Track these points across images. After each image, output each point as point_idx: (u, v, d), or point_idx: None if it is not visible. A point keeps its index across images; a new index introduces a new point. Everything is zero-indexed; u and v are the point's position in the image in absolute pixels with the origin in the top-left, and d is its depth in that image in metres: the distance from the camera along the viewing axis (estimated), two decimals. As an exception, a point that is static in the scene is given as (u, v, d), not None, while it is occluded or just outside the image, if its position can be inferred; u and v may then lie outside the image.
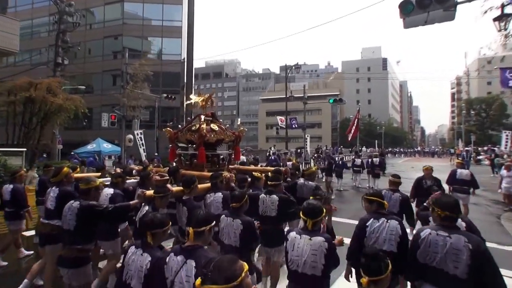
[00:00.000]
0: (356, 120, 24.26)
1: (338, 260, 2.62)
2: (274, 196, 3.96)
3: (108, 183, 4.52)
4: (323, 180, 13.63)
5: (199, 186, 4.06)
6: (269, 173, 4.53)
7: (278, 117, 23.68)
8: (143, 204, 3.44)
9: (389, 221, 2.86)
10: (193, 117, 8.19)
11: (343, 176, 13.62)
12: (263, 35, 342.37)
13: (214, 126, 5.89)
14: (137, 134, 16.60)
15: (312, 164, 18.40)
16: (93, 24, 32.06)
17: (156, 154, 19.30)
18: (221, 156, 6.50)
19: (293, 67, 21.70)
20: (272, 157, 18.96)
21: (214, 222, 2.32)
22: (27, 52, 27.38)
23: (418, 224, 3.82)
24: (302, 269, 2.53)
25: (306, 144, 21.13)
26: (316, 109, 62.97)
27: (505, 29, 7.03)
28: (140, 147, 16.50)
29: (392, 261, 2.02)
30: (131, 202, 3.53)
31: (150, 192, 3.55)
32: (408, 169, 22.44)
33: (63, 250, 3.28)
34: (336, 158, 14.92)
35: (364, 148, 40.53)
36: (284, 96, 33.02)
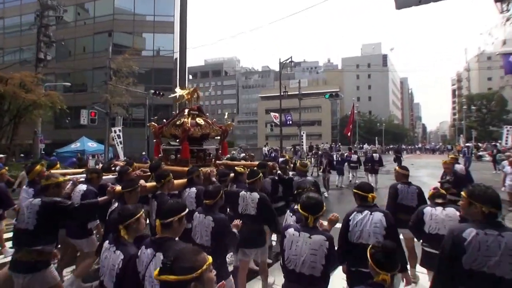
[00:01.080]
0: (352, 116, 23.77)
1: (337, 260, 2.52)
2: (255, 193, 3.73)
3: (83, 179, 4.34)
4: (317, 176, 13.40)
5: (177, 181, 3.96)
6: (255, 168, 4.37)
7: (272, 114, 23.05)
8: (113, 200, 3.32)
9: (373, 213, 2.73)
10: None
11: (344, 173, 13.42)
12: (262, 31, 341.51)
13: (200, 120, 5.71)
14: (115, 132, 15.91)
15: (307, 161, 17.97)
16: (83, 20, 31.42)
17: (144, 153, 18.73)
18: (208, 151, 6.30)
19: (289, 62, 20.99)
20: (273, 154, 18.50)
21: (185, 212, 2.18)
22: (17, 49, 26.81)
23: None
24: (300, 269, 2.38)
25: (302, 142, 20.56)
26: (316, 106, 62.41)
27: (507, 11, 6.42)
28: (118, 145, 15.85)
29: None
30: (99, 199, 3.43)
31: (119, 187, 3.37)
32: (408, 166, 21.87)
33: (18, 253, 2.98)
34: (335, 155, 14.56)
35: (366, 145, 39.87)
36: (291, 93, 32.91)
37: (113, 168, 5.29)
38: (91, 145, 19.73)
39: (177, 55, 27.44)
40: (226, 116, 8.56)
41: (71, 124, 24.77)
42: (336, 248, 2.57)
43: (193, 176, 4.09)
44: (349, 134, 24.83)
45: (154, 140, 6.09)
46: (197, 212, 3.03)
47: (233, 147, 36.72)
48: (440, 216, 3.22)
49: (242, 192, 3.80)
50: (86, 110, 17.16)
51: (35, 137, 13.42)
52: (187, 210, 2.22)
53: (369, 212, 2.75)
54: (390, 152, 49.42)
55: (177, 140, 6.13)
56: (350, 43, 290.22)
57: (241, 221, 3.17)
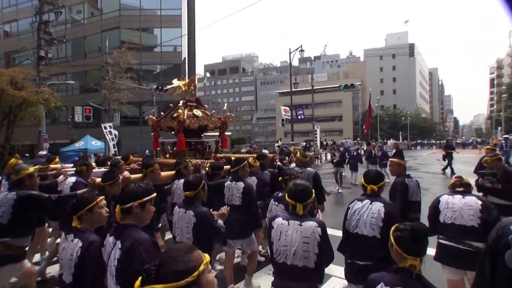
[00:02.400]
0: (369, 108, 22.09)
1: (332, 252, 2.33)
2: (241, 183, 3.65)
3: (73, 172, 4.31)
4: (332, 171, 12.24)
5: (164, 173, 4.05)
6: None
7: (283, 108, 21.60)
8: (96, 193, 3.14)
9: (373, 203, 2.55)
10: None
11: (359, 169, 12.10)
12: (281, 25, 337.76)
13: (197, 112, 5.71)
14: (105, 128, 14.93)
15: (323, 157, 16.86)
16: (91, 17, 31.32)
17: (148, 151, 18.17)
18: (208, 144, 6.30)
19: (299, 51, 19.48)
20: (287, 150, 17.55)
21: (149, 197, 1.94)
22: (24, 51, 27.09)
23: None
24: (291, 261, 2.19)
25: (316, 137, 19.11)
26: (336, 101, 60.14)
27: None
28: (110, 141, 14.84)
29: (374, 248, 2.10)
30: (78, 191, 3.34)
31: (99, 179, 3.28)
32: (432, 162, 19.77)
33: None
34: (352, 150, 13.23)
35: (390, 141, 37.53)
36: (301, 89, 31.37)
37: (109, 163, 5.22)
38: (95, 143, 19.73)
39: (185, 48, 26.85)
40: (225, 107, 7.82)
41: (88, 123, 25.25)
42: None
43: (181, 167, 4.09)
44: (366, 130, 23.19)
45: (152, 134, 6.13)
46: (176, 206, 2.87)
47: (245, 143, 35.84)
48: (458, 205, 2.95)
49: (227, 182, 3.73)
50: (81, 107, 16.48)
51: (39, 136, 13.29)
52: (153, 194, 1.98)
53: (369, 202, 2.57)
54: (418, 147, 46.67)
55: (173, 133, 6.04)
56: (374, 35, 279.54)
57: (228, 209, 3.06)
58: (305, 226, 2.20)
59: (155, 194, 2.02)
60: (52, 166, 4.89)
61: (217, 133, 6.31)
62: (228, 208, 2.89)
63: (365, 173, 2.83)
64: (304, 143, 24.86)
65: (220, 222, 2.72)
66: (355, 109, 60.87)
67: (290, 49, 20.36)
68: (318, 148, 20.37)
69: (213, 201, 3.75)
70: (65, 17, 30.13)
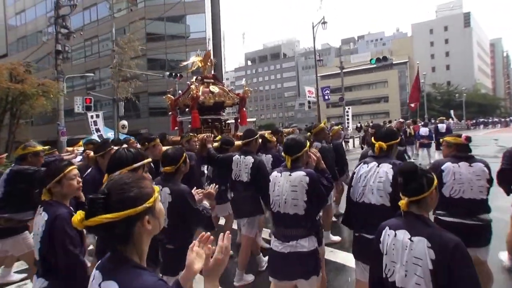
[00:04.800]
0: (416, 81, 20.51)
1: (323, 196, 2.33)
2: (250, 157, 3.40)
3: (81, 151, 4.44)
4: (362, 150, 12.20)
5: (163, 149, 3.90)
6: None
7: (307, 88, 21.21)
8: (91, 167, 3.17)
9: (380, 165, 2.24)
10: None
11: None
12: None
13: (214, 88, 5.52)
14: (91, 117, 12.67)
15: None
16: (116, 12, 31.14)
17: (146, 130, 18.55)
18: (227, 121, 6.10)
19: (321, 23, 19.04)
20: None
21: (140, 163, 1.80)
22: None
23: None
24: (283, 209, 2.29)
25: (348, 120, 18.71)
26: (381, 81, 57.38)
27: None
28: (93, 132, 12.52)
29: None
30: (65, 156, 3.52)
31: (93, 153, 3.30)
32: (486, 143, 18.23)
33: None
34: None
35: (451, 120, 33.91)
36: (335, 72, 30.29)
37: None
38: (110, 135, 19.66)
39: (210, 36, 26.30)
40: (243, 83, 7.48)
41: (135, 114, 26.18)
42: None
43: (183, 141, 3.85)
44: (413, 106, 21.70)
45: (170, 113, 6.03)
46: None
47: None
48: (465, 175, 2.54)
49: (236, 156, 3.51)
50: (81, 97, 14.55)
51: (58, 129, 12.57)
52: (145, 160, 1.83)
53: (376, 164, 2.26)
54: (481, 127, 41.95)
55: (186, 110, 5.96)
56: (423, 9, 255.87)
57: (232, 189, 3.09)
58: (294, 175, 2.27)
59: (148, 160, 1.86)
60: (68, 148, 5.00)
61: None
62: (216, 187, 2.46)
63: (377, 129, 2.65)
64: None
65: (206, 203, 2.36)
66: (403, 89, 57.47)
67: (313, 23, 19.84)
68: (349, 131, 19.59)
69: (224, 175, 3.69)
70: (96, 16, 31.42)
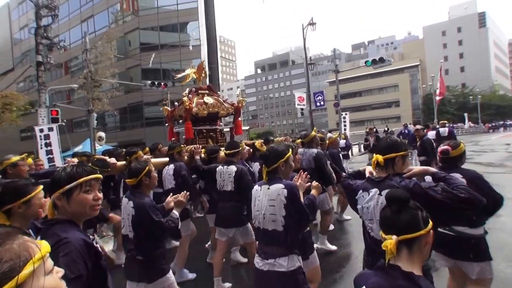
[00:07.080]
0: (440, 73, 21.70)
1: (305, 213, 2.09)
2: (232, 166, 3.46)
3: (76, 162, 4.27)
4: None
5: (157, 160, 4.01)
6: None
7: (297, 95, 20.48)
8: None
9: (382, 191, 1.75)
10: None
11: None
12: (333, 12, 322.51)
13: (208, 99, 5.60)
14: (39, 131, 10.20)
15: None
16: (112, 23, 31.55)
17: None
18: (222, 131, 6.23)
19: (310, 25, 18.47)
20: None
21: (74, 183, 1.41)
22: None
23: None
24: (263, 225, 2.18)
25: (345, 127, 17.88)
26: (392, 85, 55.94)
27: None
28: (41, 147, 10.09)
29: None
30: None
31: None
32: (496, 148, 17.02)
33: None
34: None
35: (467, 123, 32.94)
36: (354, 75, 29.88)
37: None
38: (97, 147, 19.45)
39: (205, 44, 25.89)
40: (237, 93, 6.91)
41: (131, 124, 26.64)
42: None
43: (173, 152, 3.93)
44: (440, 93, 23.87)
45: (167, 124, 6.14)
46: (125, 196, 2.63)
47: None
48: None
49: (219, 167, 3.56)
50: (46, 109, 12.57)
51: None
52: (82, 179, 1.41)
53: (378, 191, 1.78)
54: (500, 129, 39.46)
55: (180, 121, 6.07)
56: (435, 11, 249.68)
57: (219, 199, 3.19)
58: (272, 188, 2.14)
59: (87, 178, 1.44)
60: (68, 160, 5.10)
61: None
62: (188, 194, 2.54)
63: (379, 140, 2.30)
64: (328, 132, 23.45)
65: (175, 212, 2.42)
66: (414, 92, 55.72)
67: (303, 25, 19.20)
68: (348, 138, 18.74)
69: (211, 186, 3.73)
70: (94, 28, 31.76)
